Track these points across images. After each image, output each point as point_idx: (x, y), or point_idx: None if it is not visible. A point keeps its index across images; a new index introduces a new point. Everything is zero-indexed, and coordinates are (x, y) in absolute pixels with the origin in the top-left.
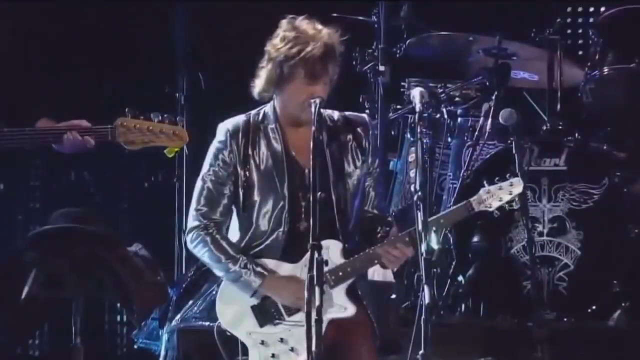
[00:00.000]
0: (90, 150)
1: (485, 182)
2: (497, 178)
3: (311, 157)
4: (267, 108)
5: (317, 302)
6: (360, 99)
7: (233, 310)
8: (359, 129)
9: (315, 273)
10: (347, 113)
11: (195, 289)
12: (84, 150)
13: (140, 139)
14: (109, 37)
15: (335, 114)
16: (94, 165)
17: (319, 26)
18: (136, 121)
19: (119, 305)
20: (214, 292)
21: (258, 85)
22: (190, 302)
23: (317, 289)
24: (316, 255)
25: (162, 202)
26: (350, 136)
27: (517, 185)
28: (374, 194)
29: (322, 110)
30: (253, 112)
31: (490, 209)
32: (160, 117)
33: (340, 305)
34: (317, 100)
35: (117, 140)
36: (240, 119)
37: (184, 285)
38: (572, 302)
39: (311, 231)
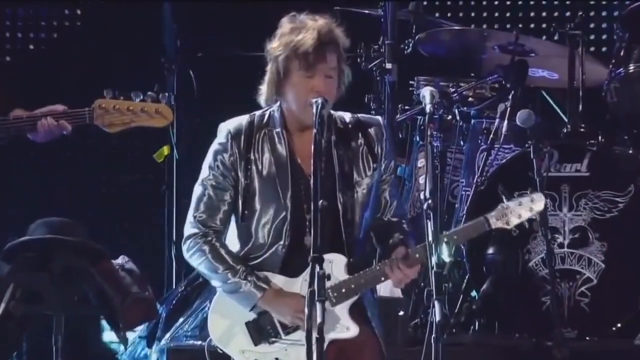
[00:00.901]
0: (68, 135)
1: (500, 189)
2: (514, 187)
3: (312, 161)
4: (274, 110)
5: (319, 319)
6: (366, 99)
7: (226, 325)
8: (371, 133)
9: (316, 287)
10: (360, 115)
11: (186, 306)
12: (60, 136)
13: (120, 120)
14: (97, 35)
15: (347, 116)
16: (76, 169)
17: (317, 17)
18: (115, 102)
19: (103, 322)
20: (206, 309)
21: (263, 90)
22: (181, 319)
23: (318, 305)
24: (317, 268)
25: (150, 211)
26: (361, 141)
27: (538, 201)
28: (389, 200)
29: (332, 112)
30: (258, 113)
31: (509, 227)
32: (142, 96)
33: (342, 325)
34: (320, 101)
35: (95, 122)
36: (243, 119)
37: (174, 301)
38: (595, 319)
39: (312, 242)
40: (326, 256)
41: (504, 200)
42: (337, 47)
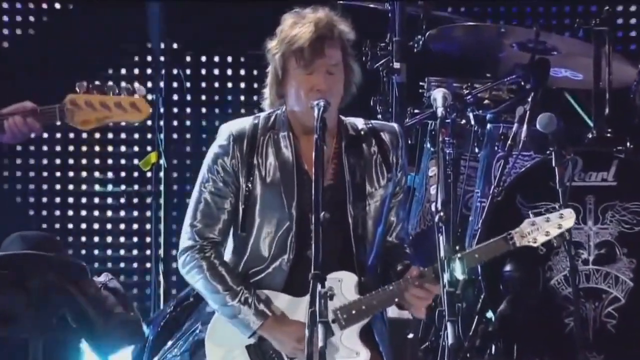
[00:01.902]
0: (37, 135)
1: (518, 200)
2: (534, 198)
3: (313, 170)
4: (279, 113)
5: (321, 343)
6: (371, 102)
7: (225, 350)
8: (386, 141)
9: (317, 308)
10: (374, 122)
11: (175, 327)
12: (28, 137)
13: (93, 117)
14: (78, 33)
15: (360, 122)
16: (53, 177)
17: (319, 9)
18: (87, 97)
19: (84, 346)
20: (197, 331)
21: (266, 94)
22: (170, 342)
23: (320, 327)
24: (319, 287)
25: (136, 224)
26: (375, 149)
27: (568, 218)
28: (395, 219)
29: (343, 117)
30: (263, 114)
31: (535, 245)
32: (117, 90)
33: (351, 350)
34: (321, 103)
35: (67, 120)
36: (246, 121)
37: (162, 323)
38: (623, 343)
39: (313, 258)
40: (335, 274)
41: (527, 213)
42: (339, 40)
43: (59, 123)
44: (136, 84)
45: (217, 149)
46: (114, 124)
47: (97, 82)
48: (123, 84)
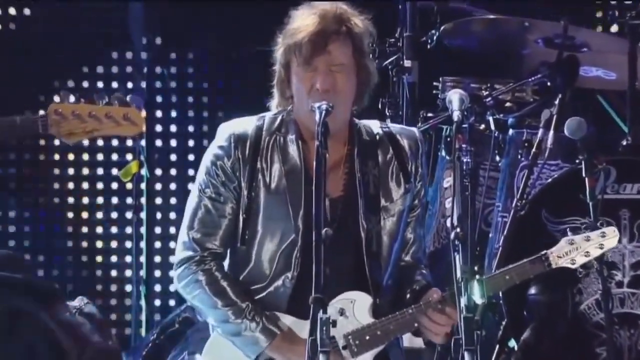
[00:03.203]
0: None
1: (544, 215)
2: (562, 213)
3: (314, 180)
4: (287, 114)
5: None
6: (380, 105)
7: None
8: (405, 147)
9: (318, 336)
10: (391, 125)
11: (158, 358)
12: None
13: (80, 129)
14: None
15: (376, 126)
16: (22, 189)
17: (332, 2)
18: (74, 106)
19: None
20: None
21: (274, 94)
22: None
23: (322, 358)
24: (320, 313)
25: (115, 242)
26: (391, 156)
27: (610, 237)
28: (412, 236)
29: (357, 120)
30: (268, 115)
31: (573, 266)
32: (107, 99)
33: None
34: (323, 106)
35: (51, 131)
36: (249, 121)
37: (144, 353)
38: None
39: (314, 280)
40: (348, 294)
41: (554, 229)
42: (348, 36)
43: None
44: (129, 97)
45: (216, 149)
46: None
47: (83, 85)
48: (115, 94)
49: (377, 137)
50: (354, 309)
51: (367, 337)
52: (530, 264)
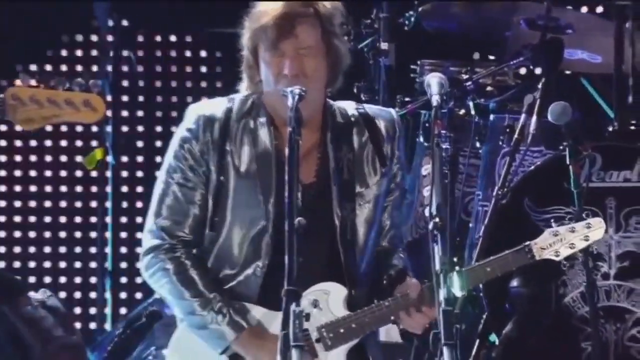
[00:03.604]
0: None
1: (527, 204)
2: (545, 202)
3: (286, 168)
4: (258, 97)
5: None
6: (355, 89)
7: None
8: (380, 129)
9: (291, 330)
10: (367, 106)
11: (125, 353)
12: None
13: (38, 115)
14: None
15: (351, 108)
16: None
17: None
18: (33, 91)
19: None
20: (151, 357)
21: (243, 80)
22: None
23: (294, 353)
24: (293, 306)
25: (79, 232)
26: (366, 138)
27: (596, 229)
28: (389, 222)
29: (331, 102)
30: (238, 97)
31: (557, 258)
32: (67, 84)
33: None
34: (296, 91)
35: (7, 117)
36: (218, 103)
37: (109, 348)
38: None
39: (287, 271)
40: (322, 285)
41: (537, 218)
42: (316, 18)
43: None
44: (91, 82)
45: (184, 132)
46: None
47: (46, 69)
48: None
49: (352, 119)
50: (328, 300)
51: (342, 330)
52: (513, 256)
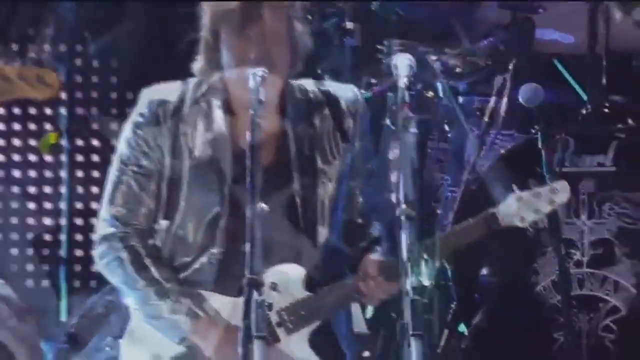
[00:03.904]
0: None
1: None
2: (516, 187)
3: (247, 150)
4: (215, 80)
5: None
6: (319, 71)
7: None
8: (341, 105)
9: (253, 320)
10: (327, 83)
11: (80, 344)
12: None
13: None
14: None
15: (310, 84)
16: None
17: None
18: None
19: None
20: (107, 348)
21: (198, 59)
22: None
23: (257, 344)
24: (255, 295)
25: (32, 219)
26: (327, 114)
27: (562, 192)
28: (354, 198)
29: (290, 80)
30: (193, 80)
31: (522, 225)
32: (19, 59)
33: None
34: (259, 73)
35: None
36: (172, 86)
37: (64, 338)
38: (623, 359)
39: (248, 259)
40: (280, 267)
41: (515, 190)
42: (281, 1)
43: None
44: (43, 56)
45: (136, 117)
46: (12, 100)
47: None
48: (29, 55)
49: (312, 95)
50: (287, 282)
51: (302, 312)
52: (476, 223)
